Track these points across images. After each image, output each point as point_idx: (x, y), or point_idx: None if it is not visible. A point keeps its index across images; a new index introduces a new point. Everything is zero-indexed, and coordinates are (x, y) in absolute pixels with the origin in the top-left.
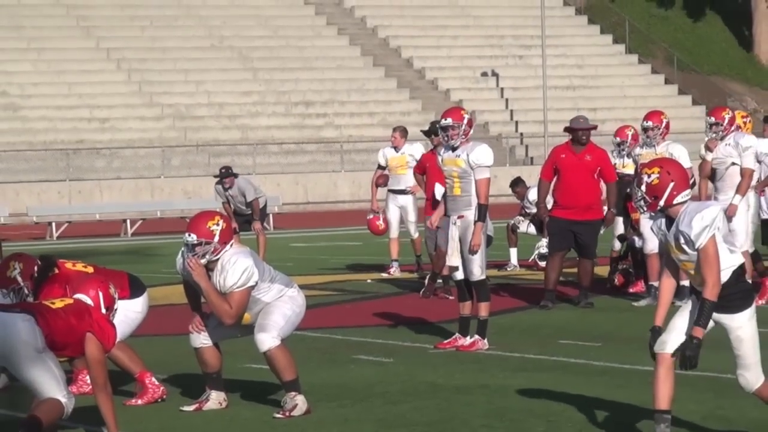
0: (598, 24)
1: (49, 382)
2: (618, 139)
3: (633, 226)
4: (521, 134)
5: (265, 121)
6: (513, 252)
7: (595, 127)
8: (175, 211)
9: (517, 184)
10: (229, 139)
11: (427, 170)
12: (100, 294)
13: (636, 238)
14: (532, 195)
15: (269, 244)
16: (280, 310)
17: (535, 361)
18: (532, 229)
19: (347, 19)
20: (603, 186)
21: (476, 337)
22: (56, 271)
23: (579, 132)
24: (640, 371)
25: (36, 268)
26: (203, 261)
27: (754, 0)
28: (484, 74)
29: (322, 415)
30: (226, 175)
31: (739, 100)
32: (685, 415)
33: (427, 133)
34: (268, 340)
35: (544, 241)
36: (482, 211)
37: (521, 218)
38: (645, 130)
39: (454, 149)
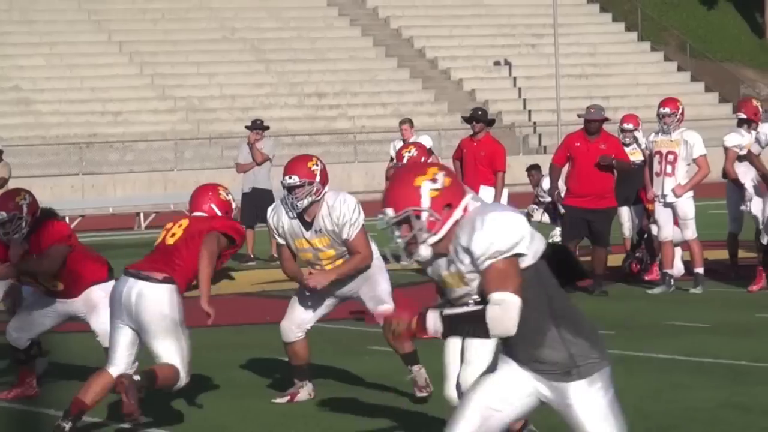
0: (610, 12)
1: (174, 357)
2: (627, 125)
3: (648, 214)
4: (534, 123)
5: (278, 112)
6: None
7: (605, 119)
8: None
9: (534, 168)
10: (242, 132)
11: (464, 156)
12: (213, 206)
13: (652, 226)
14: (546, 184)
15: None
16: (384, 277)
17: None
18: (546, 218)
19: (359, 10)
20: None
21: None
22: (54, 222)
23: (590, 122)
24: (656, 359)
25: (39, 210)
26: (304, 203)
27: None
28: (497, 63)
29: (336, 406)
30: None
31: (752, 87)
32: (701, 403)
33: (468, 120)
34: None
35: (558, 230)
36: None
37: (535, 207)
38: (661, 117)
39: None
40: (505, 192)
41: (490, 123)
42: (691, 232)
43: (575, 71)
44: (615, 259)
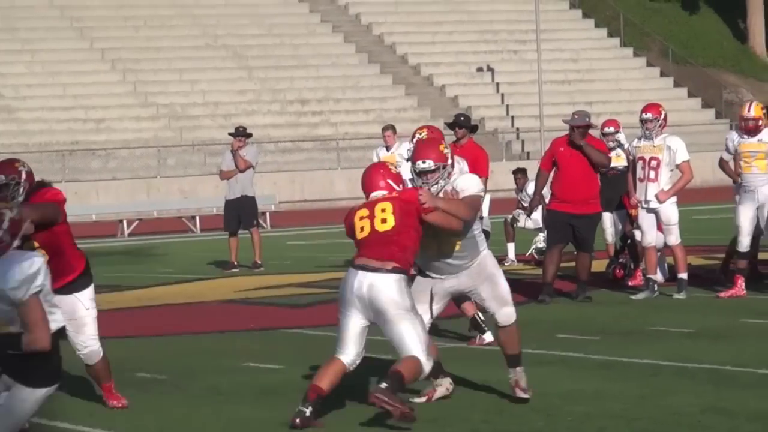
0: (593, 18)
1: (413, 341)
2: (608, 128)
3: (631, 220)
4: (517, 129)
5: (260, 119)
6: (510, 247)
7: (589, 125)
8: (172, 211)
9: (520, 172)
10: (225, 138)
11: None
12: (389, 181)
13: (635, 232)
14: (531, 188)
15: (266, 242)
16: (502, 276)
17: (534, 355)
18: (531, 224)
19: (342, 17)
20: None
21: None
22: (49, 188)
23: (573, 129)
24: (639, 364)
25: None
26: (438, 187)
27: None
28: (480, 70)
29: (322, 412)
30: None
31: (734, 92)
32: (686, 408)
33: (451, 126)
34: (514, 313)
35: (542, 236)
36: None
37: (521, 212)
38: (643, 122)
39: None
40: (488, 197)
41: (474, 129)
42: (674, 238)
43: (558, 77)
44: (599, 265)
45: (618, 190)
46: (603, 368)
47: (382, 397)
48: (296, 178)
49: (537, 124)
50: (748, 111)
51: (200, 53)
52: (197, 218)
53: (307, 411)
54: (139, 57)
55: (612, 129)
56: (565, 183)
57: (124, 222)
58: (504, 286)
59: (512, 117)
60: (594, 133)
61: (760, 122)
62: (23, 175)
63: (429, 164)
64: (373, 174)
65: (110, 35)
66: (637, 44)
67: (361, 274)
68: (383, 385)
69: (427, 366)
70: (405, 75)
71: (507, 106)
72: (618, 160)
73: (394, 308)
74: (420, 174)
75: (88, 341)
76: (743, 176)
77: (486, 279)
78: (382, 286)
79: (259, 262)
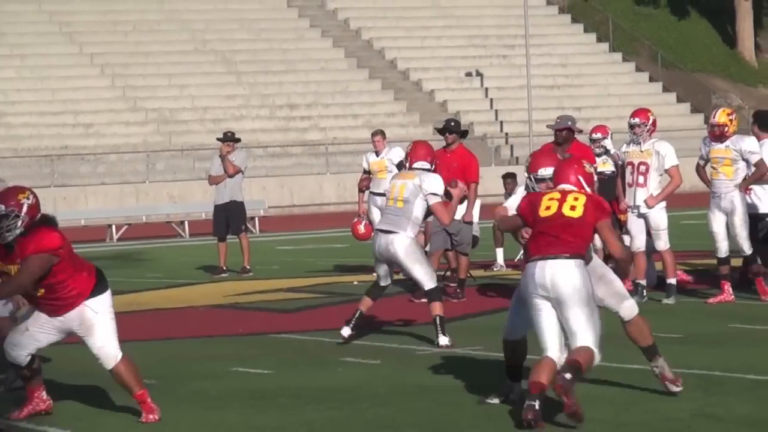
0: (582, 23)
1: (588, 331)
2: (596, 135)
3: (620, 225)
4: (506, 134)
5: (249, 124)
6: (499, 252)
7: (572, 129)
8: (161, 216)
9: (510, 177)
10: (214, 143)
11: (437, 168)
12: (580, 178)
13: (624, 237)
14: (520, 193)
15: (255, 247)
16: (612, 273)
17: None
18: None
19: (331, 22)
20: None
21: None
22: (47, 230)
23: (556, 133)
24: (629, 369)
25: (39, 214)
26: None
27: None
28: (469, 74)
29: (310, 418)
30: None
31: (723, 97)
32: (675, 413)
33: (441, 131)
34: (635, 305)
35: None
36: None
37: None
38: (632, 127)
39: None
40: (478, 203)
41: (464, 134)
42: (663, 243)
43: (547, 82)
44: None
45: (606, 195)
46: (592, 373)
47: (567, 386)
48: (285, 183)
49: (526, 129)
50: (713, 117)
51: (189, 58)
52: (186, 223)
53: (536, 403)
54: (128, 62)
55: (599, 135)
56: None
57: (113, 227)
58: (618, 282)
59: (501, 122)
60: (582, 138)
61: (726, 129)
62: (24, 208)
63: (550, 172)
64: (568, 168)
65: (99, 40)
66: (626, 49)
67: (540, 263)
68: (567, 375)
69: (597, 359)
70: (394, 80)
71: (496, 111)
72: (604, 165)
73: (575, 295)
74: (539, 181)
75: (98, 342)
76: (712, 182)
77: (599, 279)
78: (564, 272)
79: (248, 267)
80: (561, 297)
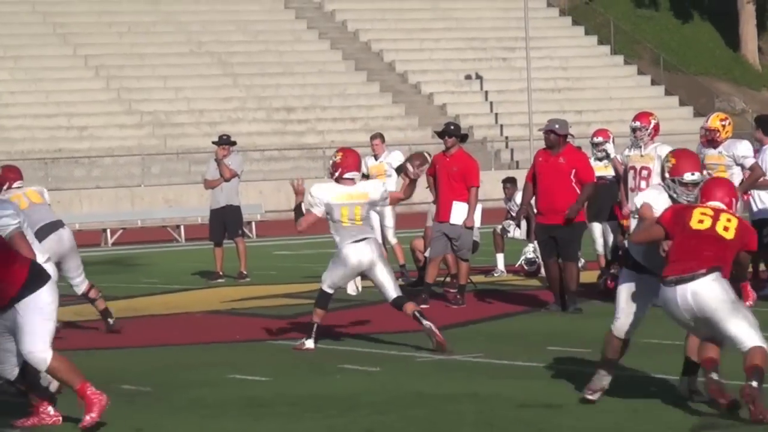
0: (583, 25)
1: (750, 332)
2: (597, 138)
3: (623, 230)
4: (506, 138)
5: (246, 127)
6: (500, 257)
7: (559, 133)
8: (156, 220)
9: (509, 181)
10: (210, 146)
11: (437, 172)
12: (733, 200)
13: (627, 242)
14: (518, 198)
15: (252, 252)
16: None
17: (524, 368)
18: (519, 234)
19: (328, 23)
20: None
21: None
22: None
23: (545, 136)
24: (631, 377)
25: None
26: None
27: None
28: (468, 77)
29: (308, 426)
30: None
31: (726, 101)
32: (678, 422)
33: (441, 134)
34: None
35: (531, 246)
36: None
37: (511, 222)
38: (633, 130)
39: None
40: (479, 207)
41: (463, 138)
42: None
43: (547, 85)
44: (590, 276)
45: (607, 200)
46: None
47: (755, 394)
48: (282, 187)
49: (526, 132)
50: (706, 122)
51: (185, 60)
52: (182, 227)
53: (715, 374)
54: (123, 64)
55: (600, 139)
56: (542, 193)
57: (108, 231)
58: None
59: (501, 125)
60: (580, 142)
61: (717, 134)
62: None
63: (698, 177)
64: (720, 187)
65: (94, 41)
66: (628, 52)
67: (680, 290)
68: (754, 383)
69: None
70: (392, 83)
71: (496, 114)
72: (606, 169)
73: (722, 306)
74: (683, 185)
75: (26, 347)
76: None
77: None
78: (705, 292)
79: (245, 272)
80: (711, 315)
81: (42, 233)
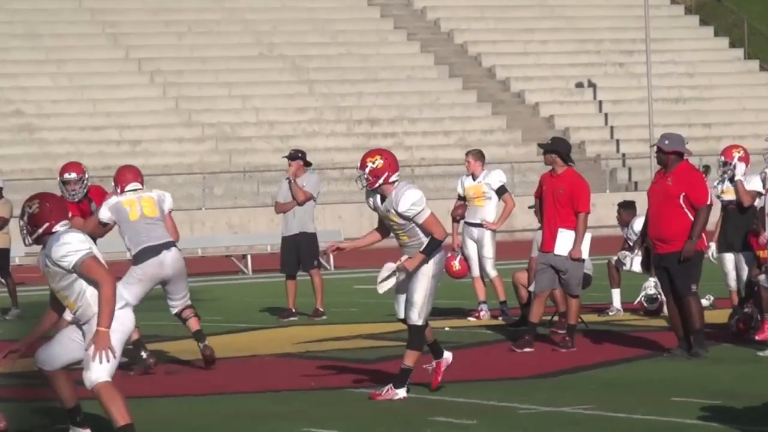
0: (712, 25)
1: None
2: (721, 158)
3: (759, 263)
4: (623, 155)
5: (323, 142)
6: (615, 293)
7: (673, 151)
8: (219, 249)
9: (625, 208)
10: (281, 164)
11: (543, 194)
12: None
13: (763, 277)
14: (638, 225)
15: (329, 286)
16: None
17: (644, 422)
18: (637, 267)
19: (418, 23)
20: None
21: (389, 385)
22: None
23: (657, 154)
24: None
25: None
26: None
27: None
28: (579, 85)
29: None
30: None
31: None
32: None
33: (546, 150)
34: None
35: (652, 281)
36: (431, 244)
37: (627, 253)
38: None
39: (382, 200)
40: (588, 236)
41: (566, 156)
42: None
43: (671, 94)
44: (720, 315)
45: (741, 228)
46: (597, 425)
47: None
48: (364, 211)
49: (646, 149)
50: None
51: (253, 65)
52: (249, 257)
53: None
54: (182, 68)
55: (724, 159)
56: (650, 219)
57: None
58: None
59: (617, 141)
60: (708, 160)
61: None
62: (86, 173)
63: None
64: None
65: (148, 43)
66: (765, 56)
67: None
68: None
69: None
70: (492, 91)
71: (611, 128)
72: (729, 193)
73: None
74: None
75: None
76: None
77: None
78: None
79: (321, 309)
80: None
81: (143, 256)
